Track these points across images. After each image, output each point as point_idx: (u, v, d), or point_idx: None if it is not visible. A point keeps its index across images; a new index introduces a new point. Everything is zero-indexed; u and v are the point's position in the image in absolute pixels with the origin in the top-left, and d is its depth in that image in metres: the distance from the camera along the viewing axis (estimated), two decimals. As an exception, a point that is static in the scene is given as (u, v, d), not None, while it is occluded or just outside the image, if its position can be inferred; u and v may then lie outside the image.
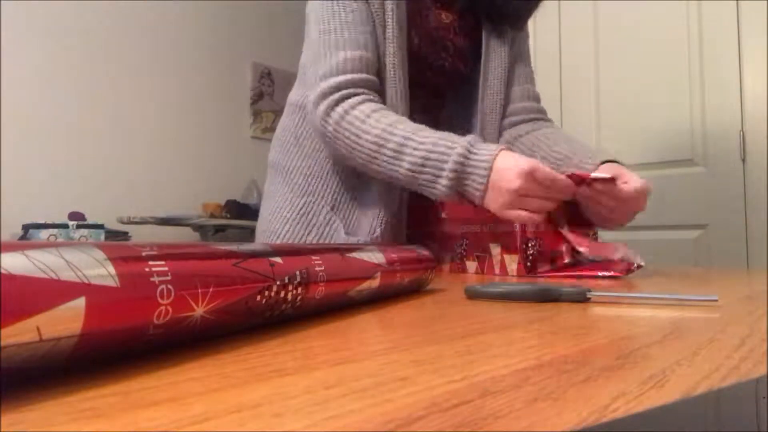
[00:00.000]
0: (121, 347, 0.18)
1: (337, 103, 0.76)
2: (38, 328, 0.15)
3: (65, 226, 2.18)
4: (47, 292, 0.15)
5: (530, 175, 0.65)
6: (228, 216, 2.73)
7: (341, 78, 0.77)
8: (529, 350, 0.22)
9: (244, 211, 2.77)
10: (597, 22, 1.81)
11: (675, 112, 1.65)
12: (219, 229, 2.61)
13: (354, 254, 0.35)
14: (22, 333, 0.14)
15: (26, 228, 2.17)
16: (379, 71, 0.81)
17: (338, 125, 0.76)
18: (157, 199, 2.82)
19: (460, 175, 0.69)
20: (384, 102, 0.81)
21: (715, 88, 1.58)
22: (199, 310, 0.21)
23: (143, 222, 2.36)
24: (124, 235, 2.43)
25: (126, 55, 2.77)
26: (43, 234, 2.13)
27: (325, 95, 0.77)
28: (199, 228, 2.58)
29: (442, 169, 0.69)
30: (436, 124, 0.80)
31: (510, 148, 0.74)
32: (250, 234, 2.82)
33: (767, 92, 1.50)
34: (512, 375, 0.18)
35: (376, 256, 0.37)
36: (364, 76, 0.78)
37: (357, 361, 0.20)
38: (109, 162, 2.68)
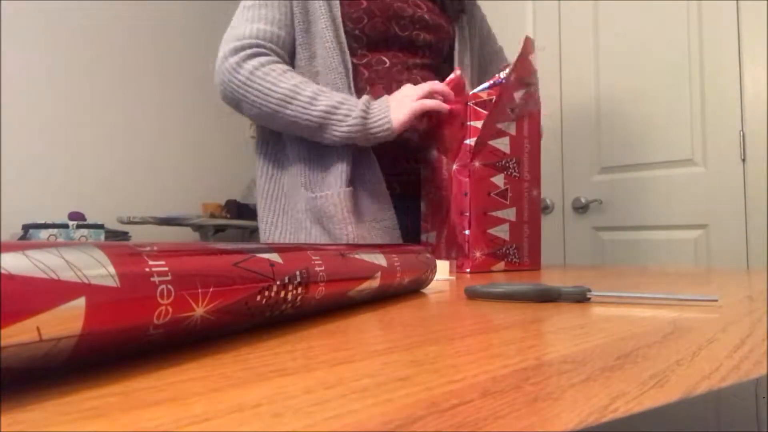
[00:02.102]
0: (121, 347, 0.18)
1: (253, 56, 0.85)
2: (38, 328, 0.15)
3: (65, 226, 2.18)
4: (47, 292, 0.15)
5: (420, 88, 0.84)
6: (228, 216, 2.73)
7: (256, 41, 0.87)
8: (529, 350, 0.22)
9: (244, 211, 2.77)
10: (597, 22, 1.81)
11: (675, 112, 1.65)
12: (219, 229, 2.61)
13: (354, 254, 0.35)
14: (22, 333, 0.14)
15: (26, 228, 2.17)
16: (312, 47, 0.91)
17: (252, 74, 0.84)
18: (157, 199, 2.82)
19: (368, 111, 0.83)
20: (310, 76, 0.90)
21: (715, 88, 1.58)
22: (199, 310, 0.21)
23: (143, 222, 2.36)
24: (124, 235, 2.43)
25: (126, 55, 2.76)
26: (43, 234, 2.13)
27: (239, 49, 0.85)
28: (199, 228, 2.58)
29: (353, 109, 0.83)
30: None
31: None
32: (250, 234, 2.82)
33: (767, 92, 1.50)
34: (512, 375, 0.18)
35: (376, 257, 0.37)
36: (275, 47, 0.88)
37: (357, 361, 0.20)
38: (109, 162, 2.68)
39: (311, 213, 0.89)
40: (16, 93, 2.40)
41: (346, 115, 0.82)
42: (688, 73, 1.62)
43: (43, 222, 2.21)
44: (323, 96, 0.83)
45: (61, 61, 2.54)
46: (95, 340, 0.17)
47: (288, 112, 0.83)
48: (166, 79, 2.91)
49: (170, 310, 0.19)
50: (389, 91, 0.88)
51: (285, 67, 0.87)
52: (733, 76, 1.55)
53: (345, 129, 0.82)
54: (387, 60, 0.93)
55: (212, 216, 2.71)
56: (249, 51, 0.85)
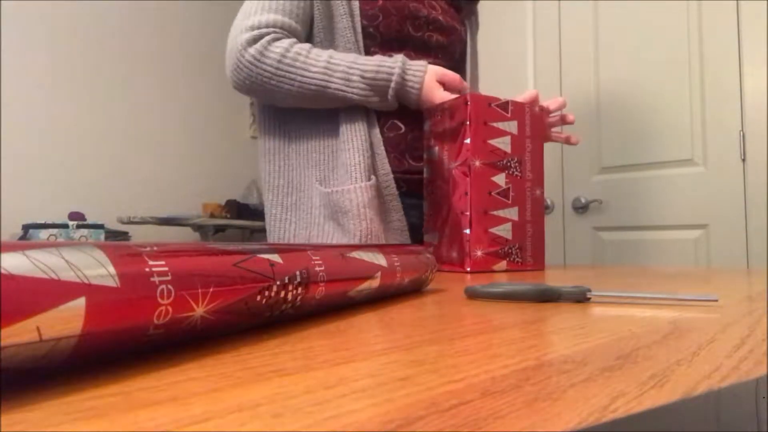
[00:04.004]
0: (121, 347, 0.18)
1: (273, 41, 0.84)
2: (38, 328, 0.15)
3: (65, 226, 2.18)
4: (47, 292, 0.15)
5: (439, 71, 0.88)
6: (228, 216, 2.73)
7: (273, 29, 0.84)
8: (529, 350, 0.22)
9: (244, 211, 2.77)
10: (597, 22, 1.80)
11: (675, 112, 1.65)
12: (219, 229, 2.61)
13: (354, 254, 0.35)
14: (22, 333, 0.14)
15: (26, 228, 2.17)
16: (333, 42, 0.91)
17: (280, 62, 0.83)
18: (157, 199, 2.82)
19: (402, 85, 0.87)
20: None
21: (715, 88, 1.58)
22: (200, 310, 0.21)
23: (143, 222, 2.36)
24: (124, 235, 2.43)
25: (126, 56, 2.77)
26: (43, 234, 2.13)
27: (257, 38, 0.83)
28: (199, 228, 2.58)
29: (389, 86, 0.86)
30: None
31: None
32: (250, 234, 2.82)
33: (767, 92, 1.50)
34: (512, 375, 0.18)
35: (376, 257, 0.37)
36: (290, 36, 0.87)
37: (357, 361, 0.20)
38: (109, 162, 2.68)
39: (325, 209, 0.88)
40: (16, 93, 2.40)
41: (387, 80, 0.85)
42: (688, 73, 1.62)
43: (43, 222, 2.21)
44: (357, 66, 0.84)
45: (61, 61, 2.54)
46: (95, 340, 0.17)
47: (329, 91, 0.84)
48: (166, 79, 2.91)
49: (170, 310, 0.19)
50: None
51: (308, 45, 0.86)
52: (733, 76, 1.55)
53: (391, 91, 0.85)
54: None
55: (212, 216, 2.71)
56: (268, 38, 0.83)
